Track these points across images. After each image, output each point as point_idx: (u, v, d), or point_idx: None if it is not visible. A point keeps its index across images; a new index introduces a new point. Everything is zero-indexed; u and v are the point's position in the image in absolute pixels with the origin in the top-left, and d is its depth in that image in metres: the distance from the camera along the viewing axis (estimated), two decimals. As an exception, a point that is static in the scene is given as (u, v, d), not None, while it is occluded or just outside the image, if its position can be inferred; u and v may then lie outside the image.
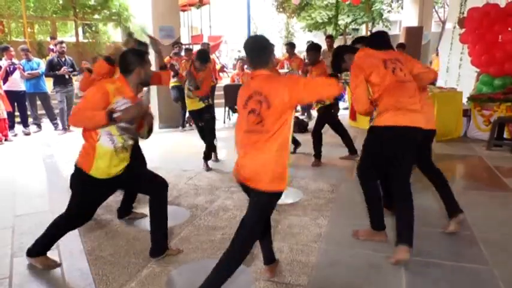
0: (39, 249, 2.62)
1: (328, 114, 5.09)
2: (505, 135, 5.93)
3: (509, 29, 6.36)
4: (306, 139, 6.28)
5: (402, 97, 2.60)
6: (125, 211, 3.38)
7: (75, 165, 2.49)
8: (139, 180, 2.70)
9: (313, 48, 5.10)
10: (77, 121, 2.31)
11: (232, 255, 2.12)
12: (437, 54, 12.06)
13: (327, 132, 5.25)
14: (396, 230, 2.62)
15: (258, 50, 2.17)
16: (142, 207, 3.52)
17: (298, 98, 2.07)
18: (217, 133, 5.17)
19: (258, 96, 2.07)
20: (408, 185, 2.65)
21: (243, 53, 5.34)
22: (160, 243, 2.71)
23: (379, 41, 2.96)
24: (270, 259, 2.51)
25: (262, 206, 2.15)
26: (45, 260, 2.63)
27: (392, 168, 2.68)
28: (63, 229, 2.62)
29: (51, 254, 2.73)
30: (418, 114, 2.62)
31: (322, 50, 8.40)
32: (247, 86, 2.20)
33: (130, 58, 2.43)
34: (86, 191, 2.50)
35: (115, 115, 2.25)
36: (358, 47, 3.00)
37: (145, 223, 3.02)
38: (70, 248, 2.87)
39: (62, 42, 7.56)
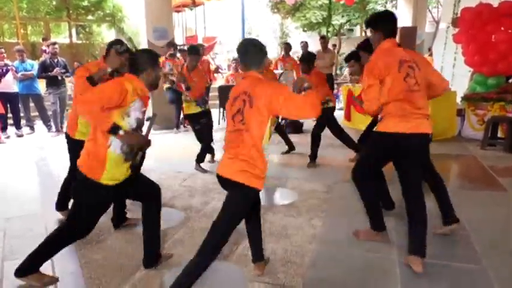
0: (31, 267, 2.38)
1: (330, 117, 5.03)
2: (499, 134, 5.96)
3: (502, 28, 6.39)
4: (300, 140, 6.29)
5: (408, 106, 2.51)
6: (120, 220, 3.31)
7: (81, 173, 2.28)
8: (137, 186, 2.55)
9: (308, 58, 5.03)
10: (86, 111, 2.19)
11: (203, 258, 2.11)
12: (430, 54, 12.08)
13: (322, 133, 5.22)
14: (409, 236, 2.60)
15: (253, 52, 2.20)
16: (135, 212, 3.48)
17: (275, 110, 2.06)
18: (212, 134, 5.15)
19: (244, 95, 2.10)
20: (417, 190, 2.59)
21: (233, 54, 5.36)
22: (153, 253, 2.62)
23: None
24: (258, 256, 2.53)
25: (234, 201, 2.14)
26: (41, 277, 2.40)
27: (403, 173, 2.65)
28: (62, 244, 2.42)
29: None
30: (424, 120, 2.54)
31: (316, 50, 8.46)
32: (237, 86, 2.24)
33: (144, 58, 2.35)
34: (92, 200, 2.34)
35: (120, 132, 2.18)
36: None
37: (138, 225, 2.99)
38: (61, 251, 2.82)
39: (54, 44, 7.51)
